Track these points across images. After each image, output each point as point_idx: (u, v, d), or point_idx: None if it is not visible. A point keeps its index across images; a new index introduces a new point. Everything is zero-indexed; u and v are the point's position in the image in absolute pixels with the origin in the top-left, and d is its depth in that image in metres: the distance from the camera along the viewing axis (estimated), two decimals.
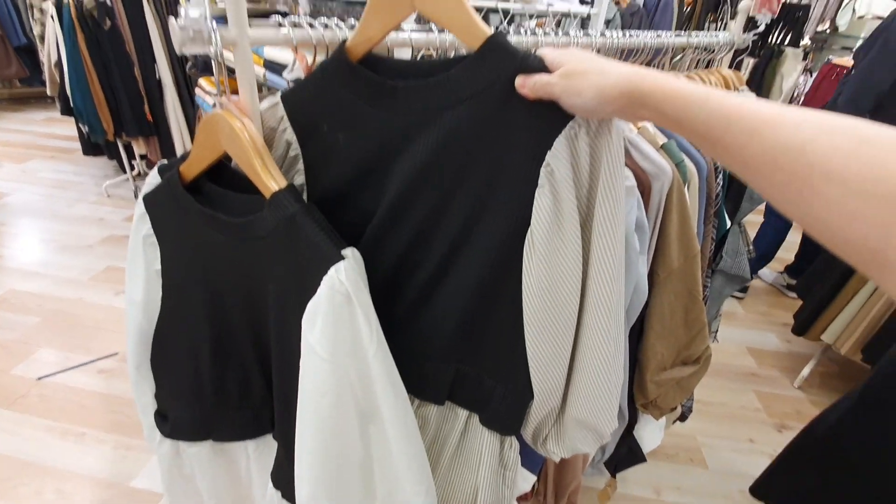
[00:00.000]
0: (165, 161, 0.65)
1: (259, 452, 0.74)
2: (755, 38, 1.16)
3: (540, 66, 0.45)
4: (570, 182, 0.47)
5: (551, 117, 0.45)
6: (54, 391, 1.66)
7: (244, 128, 0.55)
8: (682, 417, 1.26)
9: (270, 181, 0.54)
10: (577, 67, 0.42)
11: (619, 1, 2.67)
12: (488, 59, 0.47)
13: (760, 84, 2.50)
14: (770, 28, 2.58)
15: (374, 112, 0.52)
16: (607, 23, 2.33)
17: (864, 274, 0.28)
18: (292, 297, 0.53)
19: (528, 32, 0.70)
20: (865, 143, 0.26)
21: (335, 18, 0.55)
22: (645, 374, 0.94)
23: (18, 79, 4.16)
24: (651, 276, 0.85)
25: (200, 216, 0.60)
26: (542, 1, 1.17)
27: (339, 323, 0.50)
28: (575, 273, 0.50)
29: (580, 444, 0.60)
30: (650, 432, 1.13)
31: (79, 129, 2.88)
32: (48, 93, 3.00)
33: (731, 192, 1.06)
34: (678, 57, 1.05)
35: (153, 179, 0.64)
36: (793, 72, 2.43)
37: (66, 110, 2.82)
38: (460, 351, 0.59)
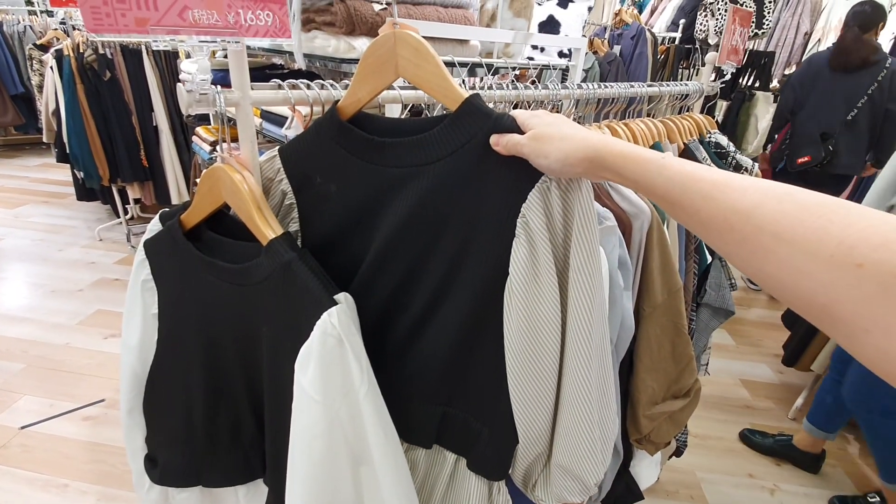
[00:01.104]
0: (167, 209, 0.68)
1: (249, 498, 0.73)
2: (723, 85, 1.24)
3: (512, 126, 0.49)
4: (545, 232, 0.50)
5: (525, 172, 0.49)
6: (37, 441, 1.61)
7: (244, 180, 0.58)
8: (678, 453, 1.25)
9: (268, 230, 0.57)
10: (544, 132, 0.46)
11: (596, 51, 2.83)
12: (465, 120, 0.51)
13: (735, 125, 2.64)
14: (739, 73, 2.75)
15: (365, 165, 0.56)
16: (587, 71, 2.47)
17: (817, 327, 0.30)
18: (286, 342, 0.55)
19: (511, 86, 0.76)
20: (805, 209, 0.30)
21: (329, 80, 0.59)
22: (637, 408, 0.95)
23: (14, 126, 4.23)
24: (637, 311, 0.88)
25: (199, 262, 0.62)
26: (523, 55, 1.25)
27: (330, 365, 0.51)
28: (553, 320, 0.52)
29: (566, 493, 0.59)
30: (646, 468, 1.12)
31: (74, 175, 2.92)
32: (44, 140, 3.06)
33: None
34: (653, 103, 1.12)
35: (154, 226, 0.67)
36: (766, 114, 2.59)
37: (63, 157, 2.87)
38: (447, 392, 0.60)
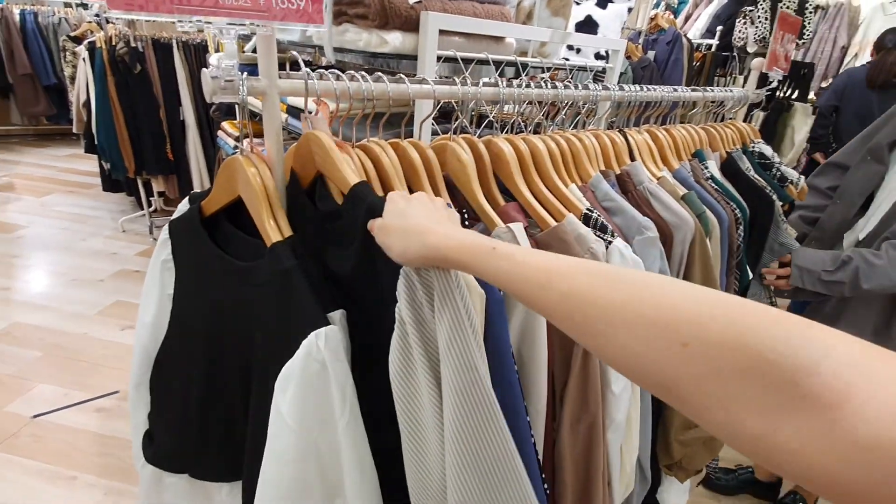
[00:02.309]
0: (197, 192, 0.66)
1: (233, 496, 0.71)
2: (768, 93, 1.17)
3: (381, 211, 0.47)
4: (413, 320, 0.45)
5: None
6: (48, 430, 1.61)
7: (257, 174, 0.55)
8: (706, 480, 1.18)
9: (274, 231, 0.54)
10: (388, 223, 0.45)
11: (629, 55, 2.76)
12: (355, 207, 0.51)
13: (772, 136, 2.55)
14: (779, 84, 2.67)
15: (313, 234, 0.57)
16: (620, 76, 2.39)
17: (673, 407, 0.29)
18: (274, 354, 0.52)
19: (548, 84, 0.71)
20: (630, 292, 0.29)
21: (361, 72, 0.56)
22: (669, 432, 0.89)
23: (45, 116, 4.33)
24: None
25: (210, 252, 0.60)
26: (559, 56, 1.21)
27: (310, 392, 0.48)
28: (431, 422, 0.44)
29: None
30: (675, 495, 1.05)
31: (101, 165, 2.96)
32: (74, 130, 3.11)
33: (752, 243, 1.04)
34: (692, 111, 1.07)
35: (184, 206, 0.65)
36: (803, 125, 2.50)
37: (91, 148, 2.91)
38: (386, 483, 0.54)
